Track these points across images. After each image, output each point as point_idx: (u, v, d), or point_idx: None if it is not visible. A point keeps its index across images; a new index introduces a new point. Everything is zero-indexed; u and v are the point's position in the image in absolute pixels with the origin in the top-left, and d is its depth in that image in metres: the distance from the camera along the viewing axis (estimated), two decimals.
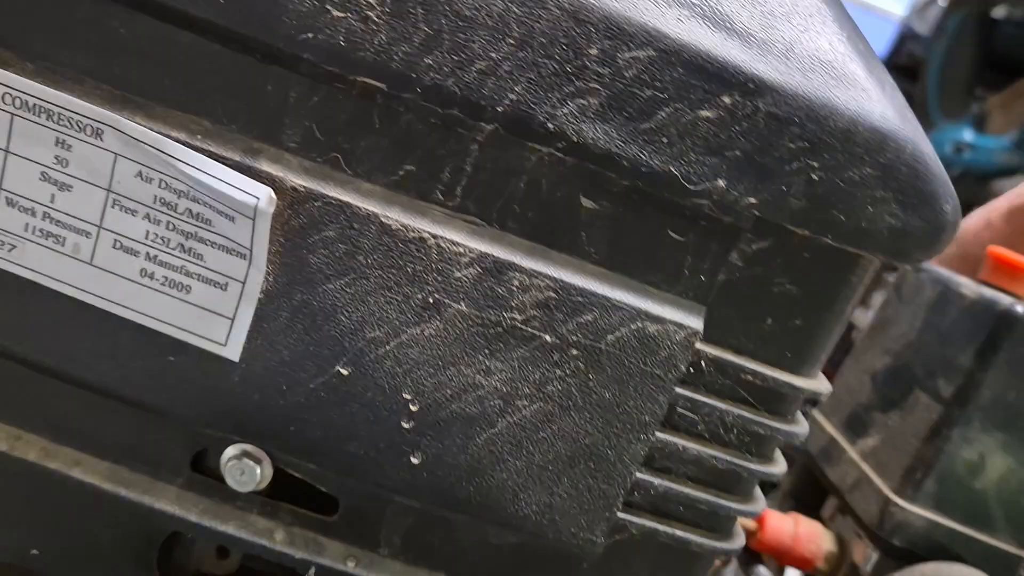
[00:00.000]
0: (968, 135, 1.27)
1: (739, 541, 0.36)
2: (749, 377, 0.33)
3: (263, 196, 0.30)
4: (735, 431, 0.33)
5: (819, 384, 0.34)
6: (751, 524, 0.50)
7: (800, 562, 0.50)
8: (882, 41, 1.69)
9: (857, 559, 0.49)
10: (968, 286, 0.49)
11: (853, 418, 0.54)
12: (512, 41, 0.29)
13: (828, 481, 0.53)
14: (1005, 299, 0.46)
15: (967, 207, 0.81)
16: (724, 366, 0.33)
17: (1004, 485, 0.47)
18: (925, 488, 0.47)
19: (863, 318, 0.79)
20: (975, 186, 1.26)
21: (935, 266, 0.53)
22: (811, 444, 0.56)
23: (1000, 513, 0.47)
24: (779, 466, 0.35)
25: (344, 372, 0.32)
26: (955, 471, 0.46)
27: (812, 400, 0.34)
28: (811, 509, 0.55)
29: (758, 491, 0.36)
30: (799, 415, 0.35)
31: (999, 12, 1.30)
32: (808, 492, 0.57)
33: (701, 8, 0.30)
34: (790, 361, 0.33)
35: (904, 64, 1.53)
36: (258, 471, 0.34)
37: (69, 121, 0.30)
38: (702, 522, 0.35)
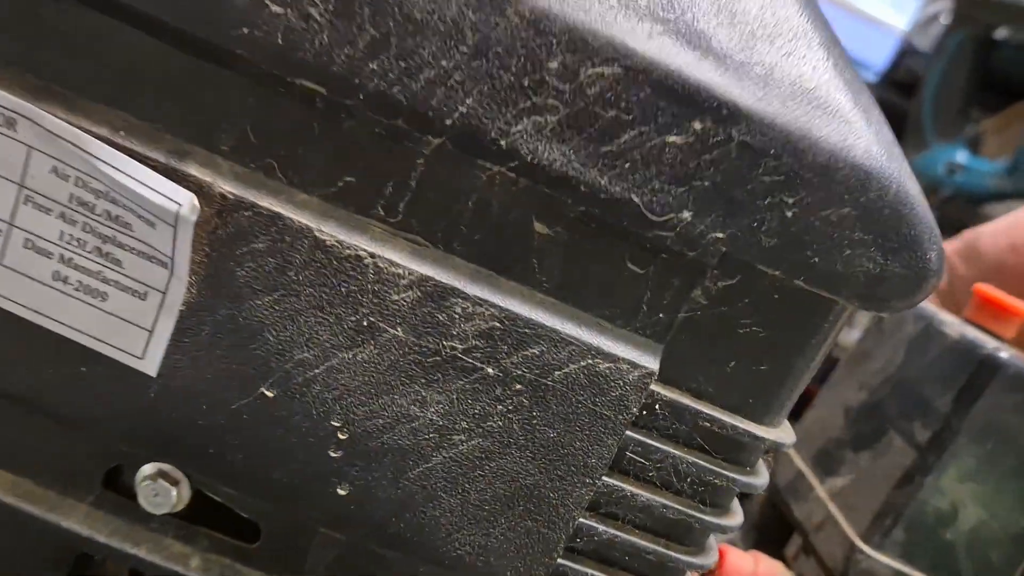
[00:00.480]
0: (962, 156, 1.25)
1: None
2: (707, 423, 0.30)
3: (185, 202, 0.27)
4: (689, 479, 0.31)
5: (782, 434, 0.31)
6: (710, 563, 0.47)
7: None
8: (882, 55, 1.67)
9: None
10: (952, 325, 0.47)
11: (823, 454, 0.52)
12: (465, 49, 0.26)
13: (794, 518, 0.51)
14: (989, 343, 0.44)
15: (956, 229, 0.78)
16: (680, 410, 0.30)
17: (975, 537, 0.44)
18: (893, 536, 0.44)
19: (847, 337, 0.76)
20: (966, 208, 1.24)
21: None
22: (779, 477, 0.54)
23: (969, 566, 0.45)
24: (735, 518, 0.32)
25: (269, 394, 0.30)
26: (925, 520, 0.44)
27: (774, 449, 0.32)
28: (775, 545, 0.53)
29: (712, 541, 0.34)
30: (760, 464, 0.32)
31: (1001, 33, 1.28)
32: (772, 527, 0.55)
33: (676, 24, 0.27)
34: (752, 408, 0.31)
35: (902, 79, 1.51)
36: (174, 493, 0.32)
37: None
38: (649, 573, 0.33)
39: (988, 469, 0.44)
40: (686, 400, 0.30)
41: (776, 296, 0.29)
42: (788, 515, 0.52)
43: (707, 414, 0.30)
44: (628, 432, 0.30)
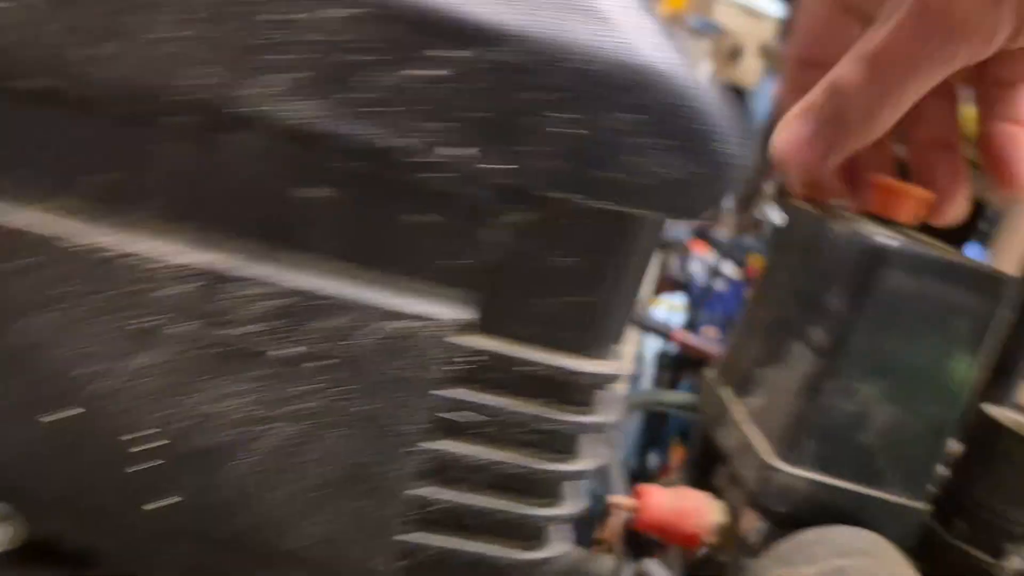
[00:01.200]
0: None
1: (558, 548, 0.32)
2: (530, 368, 0.29)
3: None
4: (524, 430, 0.29)
5: (614, 366, 0.29)
6: (631, 503, 0.46)
7: (686, 540, 0.46)
8: None
9: (744, 530, 0.45)
10: (841, 222, 0.44)
11: (742, 377, 0.50)
12: (183, 17, 0.24)
13: (720, 446, 0.49)
14: (877, 233, 0.42)
15: None
16: (500, 358, 0.28)
17: (891, 435, 0.43)
18: (805, 447, 0.43)
19: None
20: None
21: (805, 203, 0.49)
22: (707, 408, 0.52)
23: (889, 466, 0.43)
24: (584, 462, 0.31)
25: (73, 414, 0.28)
26: (836, 426, 0.42)
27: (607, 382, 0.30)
28: (710, 479, 0.51)
29: (574, 488, 0.32)
30: (603, 401, 0.31)
31: None
32: (705, 460, 0.53)
33: None
34: (578, 343, 0.29)
35: None
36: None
37: None
38: (510, 532, 0.31)
39: (892, 365, 0.42)
40: (504, 347, 0.28)
41: (580, 222, 0.27)
42: (716, 444, 0.50)
43: (527, 358, 0.28)
44: (446, 391, 0.28)
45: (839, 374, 0.42)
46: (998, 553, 0.46)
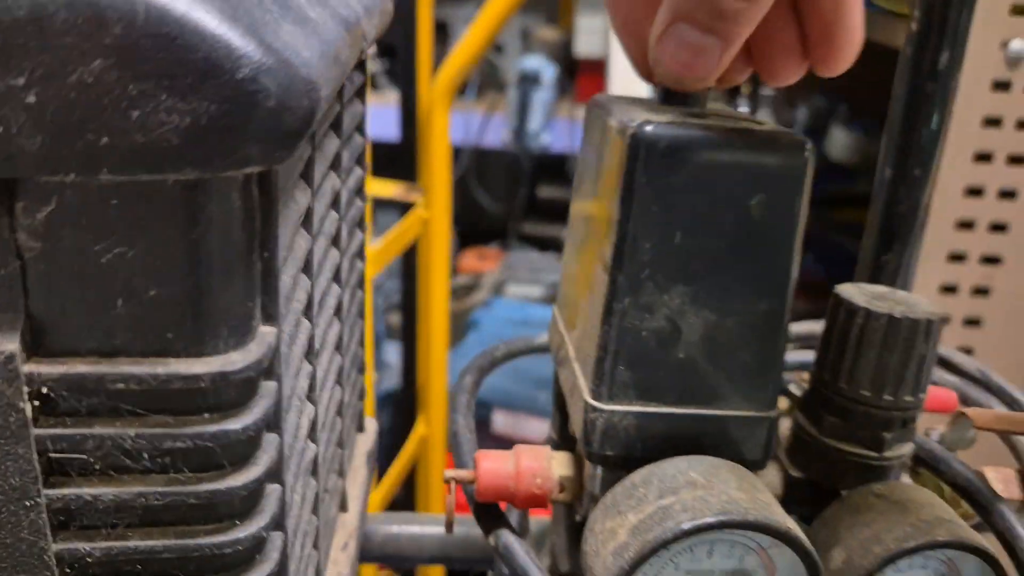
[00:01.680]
0: None
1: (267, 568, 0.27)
2: (122, 384, 0.24)
3: None
4: (147, 454, 0.24)
5: (233, 358, 0.24)
6: (466, 475, 0.41)
7: (531, 501, 0.41)
8: None
9: (587, 479, 0.40)
10: (617, 112, 0.38)
11: (569, 307, 0.44)
12: None
13: (562, 391, 0.44)
14: (638, 119, 0.36)
15: None
16: (82, 381, 0.24)
17: (711, 347, 0.37)
18: (620, 378, 0.37)
19: None
20: None
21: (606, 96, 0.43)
22: (553, 346, 0.47)
23: (718, 380, 0.37)
24: (246, 474, 0.26)
25: None
26: (646, 347, 0.37)
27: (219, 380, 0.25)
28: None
29: (267, 498, 0.27)
30: (249, 402, 0.26)
31: None
32: (563, 407, 0.48)
33: None
34: (178, 343, 0.24)
35: None
36: None
37: None
38: (177, 569, 0.26)
39: (689, 263, 0.36)
40: (83, 367, 0.24)
41: (111, 202, 0.22)
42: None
43: (120, 374, 0.24)
44: (42, 430, 0.24)
45: (633, 289, 0.36)
46: (877, 445, 0.40)
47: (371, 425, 0.54)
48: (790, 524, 0.34)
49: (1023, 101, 0.97)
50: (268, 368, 0.26)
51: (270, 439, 0.27)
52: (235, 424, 0.25)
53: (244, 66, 0.21)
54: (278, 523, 0.27)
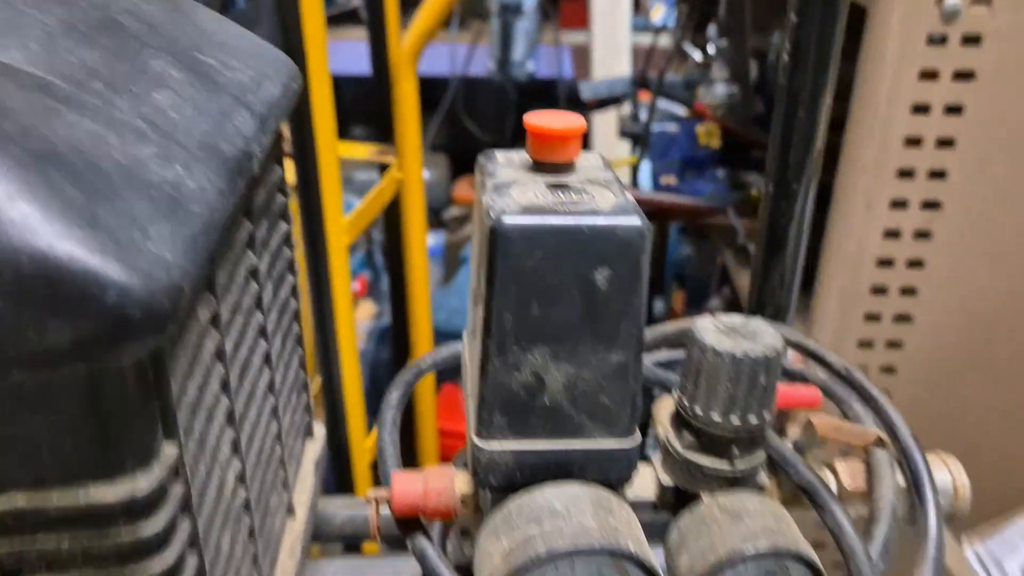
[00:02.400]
0: None
1: None
2: (56, 510, 0.31)
3: None
4: (79, 556, 0.32)
5: (133, 485, 0.31)
6: (383, 494, 0.49)
7: (440, 514, 0.49)
8: None
9: (480, 500, 0.47)
10: (490, 188, 0.44)
11: (468, 348, 0.51)
12: None
13: None
14: (494, 210, 0.42)
15: None
16: (23, 511, 0.31)
17: (573, 392, 0.44)
18: (496, 422, 0.44)
19: None
20: None
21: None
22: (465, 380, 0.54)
23: (582, 417, 0.44)
24: (162, 559, 0.33)
25: None
26: (516, 397, 0.44)
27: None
28: None
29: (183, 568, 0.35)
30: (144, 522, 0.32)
31: None
32: None
33: None
34: (93, 472, 0.31)
35: None
36: None
37: None
38: None
39: (546, 328, 0.42)
40: (22, 501, 0.31)
41: (28, 388, 0.29)
42: None
43: (47, 505, 0.31)
44: None
45: (500, 352, 0.43)
46: (728, 459, 0.47)
47: (319, 431, 0.62)
48: (633, 547, 0.42)
49: (959, 54, 1.00)
50: (174, 474, 0.33)
51: (183, 525, 0.34)
52: (146, 531, 0.32)
53: (111, 290, 0.27)
54: None
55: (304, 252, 1.18)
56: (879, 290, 1.11)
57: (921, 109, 1.03)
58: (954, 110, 1.02)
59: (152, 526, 0.32)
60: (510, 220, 0.41)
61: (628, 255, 0.42)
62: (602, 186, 0.45)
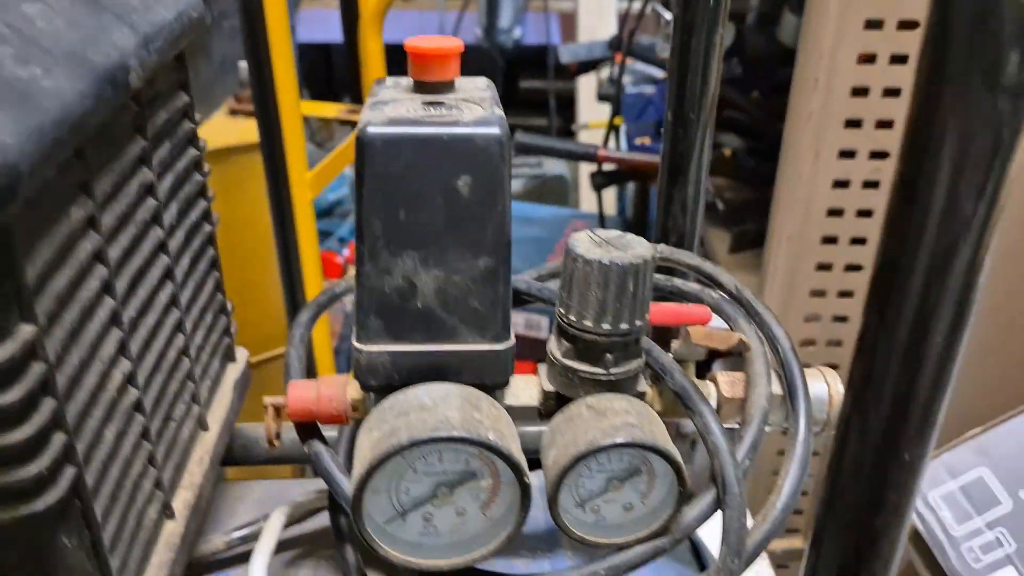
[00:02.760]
0: None
1: None
2: None
3: None
4: None
5: None
6: (279, 400, 0.52)
7: (333, 419, 0.51)
8: None
9: (368, 407, 0.50)
10: (369, 106, 0.47)
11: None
12: None
13: None
14: (362, 122, 0.44)
15: None
16: None
17: (444, 296, 0.46)
18: (372, 325, 0.47)
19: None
20: None
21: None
22: None
23: (452, 321, 0.47)
24: (23, 430, 0.36)
25: None
26: (390, 302, 0.46)
27: None
28: None
29: (46, 448, 0.37)
30: None
31: None
32: None
33: None
34: None
35: None
36: None
37: None
38: None
39: (415, 234, 0.45)
40: None
41: None
42: None
43: None
44: None
45: (372, 257, 0.46)
46: (603, 365, 0.50)
47: (242, 355, 0.65)
48: (494, 437, 0.44)
49: (904, 4, 1.01)
50: (31, 353, 0.36)
51: (46, 402, 0.37)
52: (3, 399, 0.35)
53: None
54: (63, 461, 0.38)
55: (270, 206, 1.21)
56: (829, 240, 1.13)
57: (868, 59, 1.04)
58: (900, 59, 1.04)
59: (9, 396, 0.35)
60: (374, 130, 0.44)
61: (487, 163, 0.44)
62: (475, 103, 0.48)
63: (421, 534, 0.47)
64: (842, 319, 1.18)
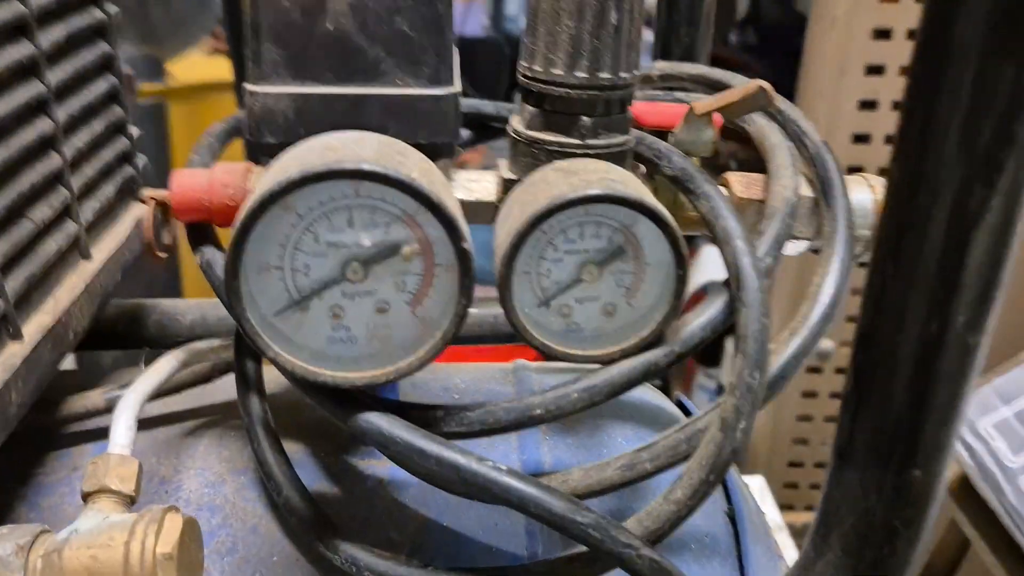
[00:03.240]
0: None
1: None
2: None
3: None
4: None
5: None
6: (163, 192, 0.40)
7: (227, 213, 0.40)
8: None
9: None
10: None
11: None
12: None
13: None
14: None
15: None
16: None
17: (361, 14, 0.35)
18: (269, 56, 0.35)
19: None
20: None
21: None
22: None
23: (374, 52, 0.35)
24: None
25: None
26: (292, 22, 0.35)
27: None
28: None
29: None
30: None
31: None
32: None
33: None
34: None
35: None
36: None
37: None
38: None
39: None
40: None
41: None
42: None
43: None
44: None
45: None
46: (577, 132, 0.38)
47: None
48: (414, 175, 0.32)
49: None
50: None
51: None
52: None
53: None
54: None
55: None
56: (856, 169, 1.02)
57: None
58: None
59: None
60: None
61: None
62: None
63: (331, 339, 0.35)
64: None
